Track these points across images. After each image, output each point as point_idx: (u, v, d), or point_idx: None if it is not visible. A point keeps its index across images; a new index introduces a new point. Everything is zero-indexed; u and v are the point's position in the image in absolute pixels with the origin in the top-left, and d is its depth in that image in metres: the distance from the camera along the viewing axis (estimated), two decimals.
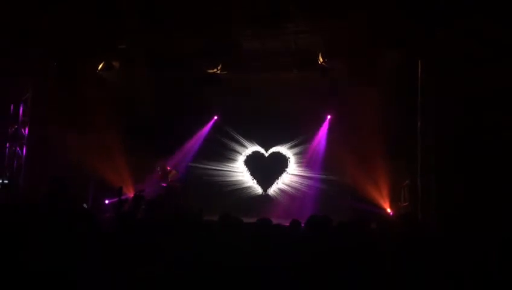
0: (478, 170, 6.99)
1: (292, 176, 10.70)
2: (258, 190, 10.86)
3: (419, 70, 7.79)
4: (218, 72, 9.07)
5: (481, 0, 7.03)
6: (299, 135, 10.51)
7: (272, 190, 10.75)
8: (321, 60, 8.58)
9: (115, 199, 8.86)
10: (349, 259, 3.10)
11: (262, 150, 10.97)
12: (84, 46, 8.97)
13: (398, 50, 8.10)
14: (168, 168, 10.03)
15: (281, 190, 10.67)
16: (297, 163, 10.70)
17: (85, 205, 8.67)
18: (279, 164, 10.84)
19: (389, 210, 8.67)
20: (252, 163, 10.99)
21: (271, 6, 8.19)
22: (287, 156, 10.82)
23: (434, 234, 4.90)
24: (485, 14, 6.96)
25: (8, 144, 9.50)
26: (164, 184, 9.74)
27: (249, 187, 10.86)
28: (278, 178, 10.77)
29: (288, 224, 4.17)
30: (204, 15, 8.10)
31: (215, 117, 11.02)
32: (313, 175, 10.36)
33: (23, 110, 9.60)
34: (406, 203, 8.37)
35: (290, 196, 10.47)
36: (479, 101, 7.11)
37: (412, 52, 7.92)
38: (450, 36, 7.21)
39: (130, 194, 9.40)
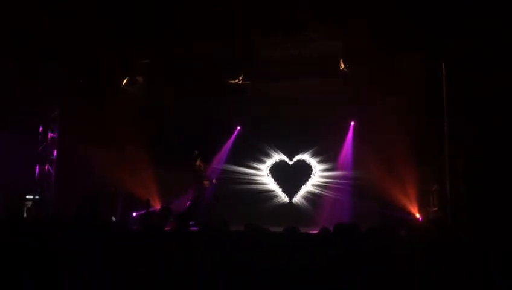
0: (508, 173, 6.82)
1: (318, 184, 10.62)
2: (284, 198, 10.81)
3: (443, 73, 7.67)
4: (240, 82, 9.13)
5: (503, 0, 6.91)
6: (323, 143, 10.44)
7: (298, 198, 10.69)
8: (342, 66, 8.55)
9: (143, 212, 8.99)
10: (380, 266, 3.05)
11: (286, 159, 10.95)
12: (108, 62, 9.18)
13: (419, 52, 8.00)
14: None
15: (307, 198, 10.60)
16: (324, 171, 10.61)
17: (113, 218, 8.80)
18: (304, 172, 10.78)
19: (418, 216, 8.51)
20: (277, 172, 10.96)
21: (290, 14, 8.24)
22: (312, 164, 10.75)
23: (465, 239, 4.78)
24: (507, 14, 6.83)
25: (38, 161, 9.76)
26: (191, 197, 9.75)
27: (274, 196, 10.83)
28: (303, 186, 10.71)
29: (315, 232, 4.13)
30: (223, 25, 8.19)
31: (238, 127, 11.05)
32: (339, 182, 10.25)
33: (51, 129, 9.86)
34: (435, 209, 8.20)
35: (316, 204, 10.38)
36: (507, 102, 6.96)
37: (433, 55, 7.81)
38: (473, 37, 7.09)
39: (157, 206, 9.52)
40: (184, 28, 8.30)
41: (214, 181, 9.96)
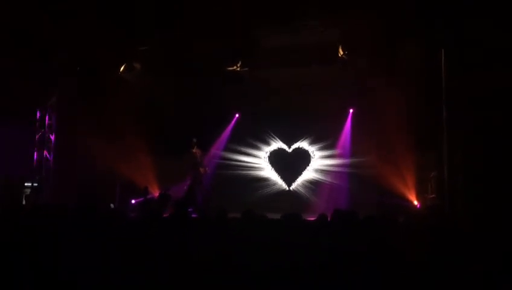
0: (507, 162, 6.83)
1: (316, 171, 10.64)
2: (283, 186, 10.84)
3: (443, 60, 7.63)
4: (238, 69, 9.08)
5: None
6: (321, 130, 10.43)
7: (296, 186, 10.71)
8: (341, 52, 8.49)
9: (141, 199, 9.01)
10: (377, 252, 3.07)
11: (285, 146, 10.95)
12: (106, 50, 9.13)
13: (419, 40, 7.95)
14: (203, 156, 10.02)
15: (306, 186, 10.62)
16: (323, 158, 10.62)
17: (112, 205, 8.82)
18: (302, 159, 10.79)
19: (415, 203, 8.54)
20: (276, 159, 10.97)
21: (289, 3, 8.19)
22: (310, 151, 10.76)
23: (461, 226, 4.80)
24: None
25: (36, 148, 9.75)
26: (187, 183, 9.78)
27: (273, 184, 10.85)
28: (301, 174, 10.73)
29: (313, 219, 4.14)
30: (222, 15, 8.14)
31: (237, 115, 11.04)
32: (337, 170, 10.27)
33: (49, 116, 9.83)
34: (433, 195, 8.23)
35: (314, 192, 10.42)
36: (507, 91, 6.93)
37: (433, 43, 7.76)
38: (473, 26, 7.04)
39: (156, 193, 9.55)
40: (183, 18, 8.28)
41: (206, 169, 9.97)
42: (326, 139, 10.48)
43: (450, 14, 7.07)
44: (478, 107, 7.11)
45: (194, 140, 9.75)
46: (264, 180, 10.84)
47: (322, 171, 10.56)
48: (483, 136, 7.08)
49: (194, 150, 9.78)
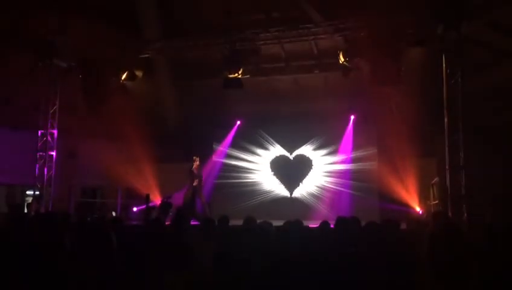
0: (508, 165, 6.82)
1: (318, 178, 10.62)
2: (285, 192, 10.82)
3: (444, 65, 7.63)
4: (240, 76, 9.10)
5: None
6: (323, 136, 10.44)
7: (298, 193, 10.68)
8: (342, 59, 8.50)
9: (143, 207, 9.00)
10: (380, 258, 3.05)
11: (286, 153, 10.94)
12: (108, 56, 9.18)
13: (420, 46, 7.96)
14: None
15: (308, 192, 10.60)
16: (325, 164, 10.60)
17: (114, 213, 8.81)
18: (304, 166, 10.78)
19: (418, 209, 8.51)
20: (278, 166, 10.97)
21: (291, 10, 8.23)
22: (312, 158, 10.75)
23: (464, 232, 4.78)
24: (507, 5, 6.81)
25: (38, 155, 9.74)
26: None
27: (275, 190, 10.83)
28: (303, 180, 10.71)
29: (315, 226, 4.13)
30: (224, 20, 8.18)
31: (238, 122, 11.04)
32: (339, 176, 10.26)
33: (51, 122, 9.84)
34: (436, 202, 8.20)
35: (316, 198, 10.39)
36: (507, 94, 6.94)
37: (435, 47, 7.77)
38: (473, 29, 7.05)
39: (158, 201, 9.53)
40: (184, 25, 8.33)
41: (195, 183, 9.71)
42: (327, 145, 10.48)
43: (450, 15, 7.08)
44: (478, 107, 7.11)
45: (194, 157, 9.52)
46: (266, 187, 10.83)
47: (323, 177, 10.55)
48: (484, 141, 7.08)
49: (194, 166, 9.56)
